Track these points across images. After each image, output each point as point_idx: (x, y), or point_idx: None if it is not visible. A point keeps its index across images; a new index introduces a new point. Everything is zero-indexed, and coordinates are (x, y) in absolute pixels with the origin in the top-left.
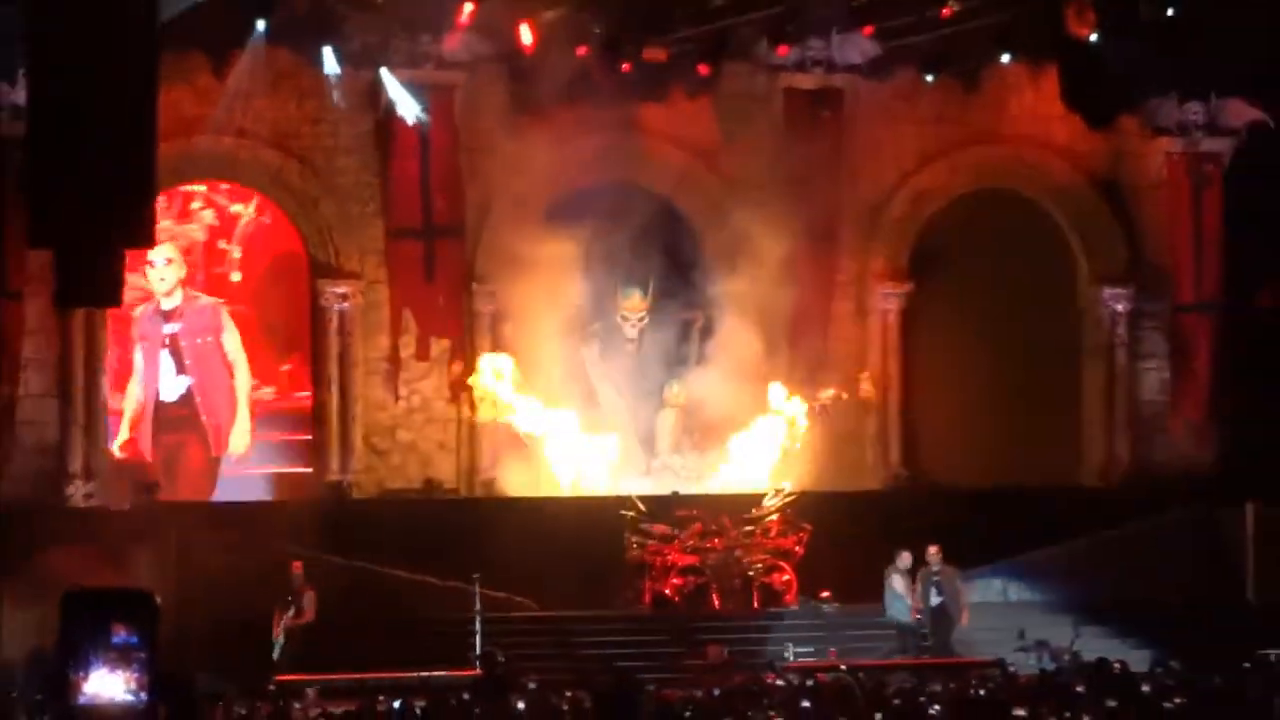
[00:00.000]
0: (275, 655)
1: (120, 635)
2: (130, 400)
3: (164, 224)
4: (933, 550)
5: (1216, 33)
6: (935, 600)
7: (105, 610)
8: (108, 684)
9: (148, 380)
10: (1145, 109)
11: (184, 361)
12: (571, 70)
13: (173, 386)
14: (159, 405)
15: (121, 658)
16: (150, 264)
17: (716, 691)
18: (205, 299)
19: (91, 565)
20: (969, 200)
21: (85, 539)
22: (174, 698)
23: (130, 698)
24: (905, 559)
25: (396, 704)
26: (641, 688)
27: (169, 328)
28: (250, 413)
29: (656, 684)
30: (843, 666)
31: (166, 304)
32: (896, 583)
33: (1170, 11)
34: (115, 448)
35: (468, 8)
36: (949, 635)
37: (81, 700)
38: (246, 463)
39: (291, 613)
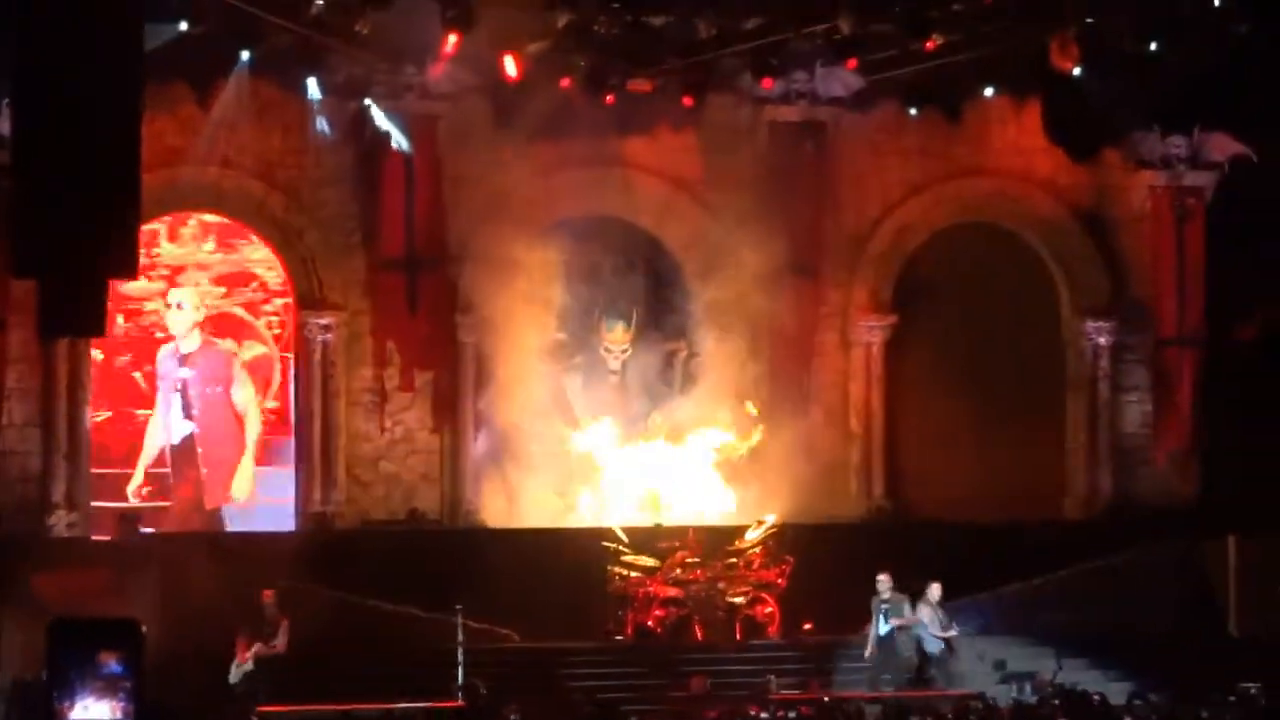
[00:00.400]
0: (233, 680)
1: (107, 664)
2: (150, 443)
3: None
4: (882, 578)
5: (1199, 66)
6: (884, 629)
7: (92, 639)
8: (94, 712)
9: (166, 423)
10: (1128, 142)
11: (191, 410)
12: (556, 102)
13: (177, 431)
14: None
15: (108, 686)
16: (167, 305)
17: None
18: (222, 346)
19: (74, 596)
20: (952, 233)
21: (68, 569)
22: None
23: None
24: (935, 590)
25: None
26: (624, 719)
27: (182, 372)
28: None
29: (639, 715)
30: (825, 698)
31: (184, 347)
32: (923, 613)
33: (1153, 45)
34: (130, 493)
35: (451, 39)
36: (896, 665)
37: None
38: (250, 508)
39: (268, 641)
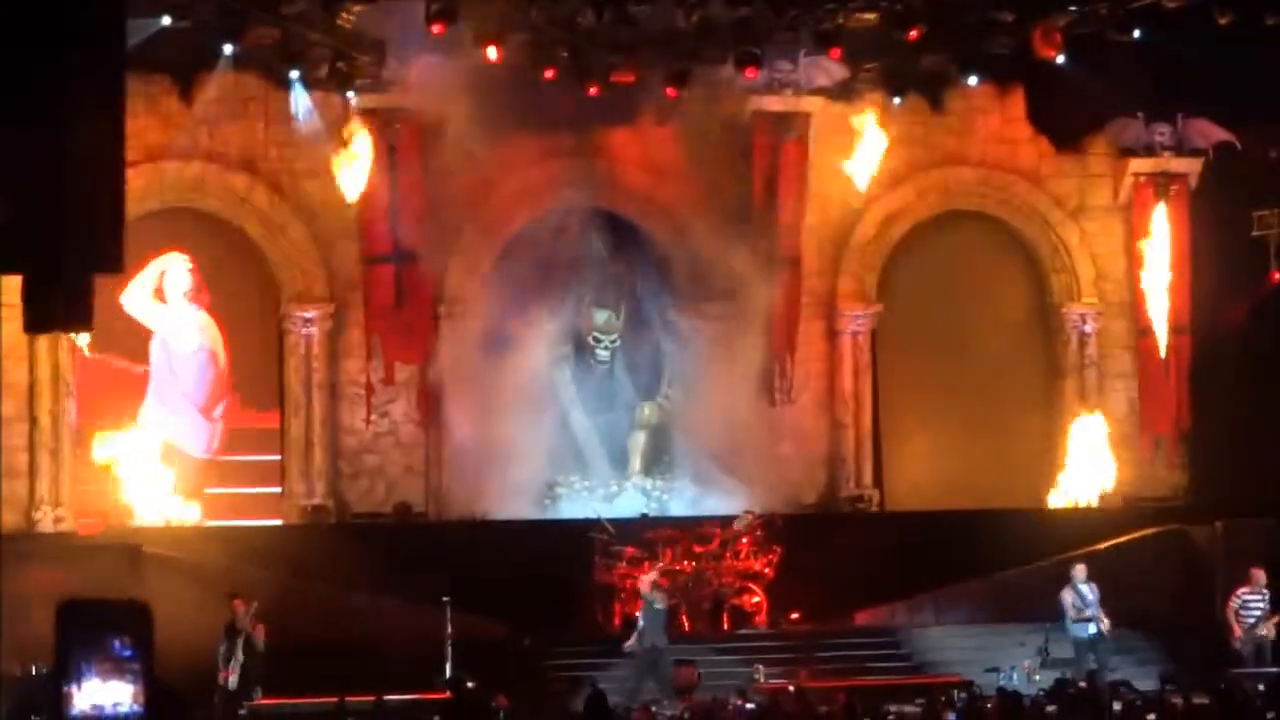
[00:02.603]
0: (233, 686)
1: (116, 647)
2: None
3: None
4: (650, 575)
5: (1183, 54)
6: (641, 623)
7: (100, 621)
8: (102, 696)
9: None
10: (1112, 130)
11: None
12: (539, 94)
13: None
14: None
15: (116, 669)
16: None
17: (686, 713)
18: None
19: (64, 591)
20: (937, 222)
21: (55, 564)
22: (169, 711)
23: (125, 710)
24: (1079, 572)
25: None
26: (609, 709)
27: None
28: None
29: (624, 706)
30: (790, 686)
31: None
32: (1065, 598)
33: (1136, 33)
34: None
35: (434, 31)
36: (649, 655)
37: (74, 713)
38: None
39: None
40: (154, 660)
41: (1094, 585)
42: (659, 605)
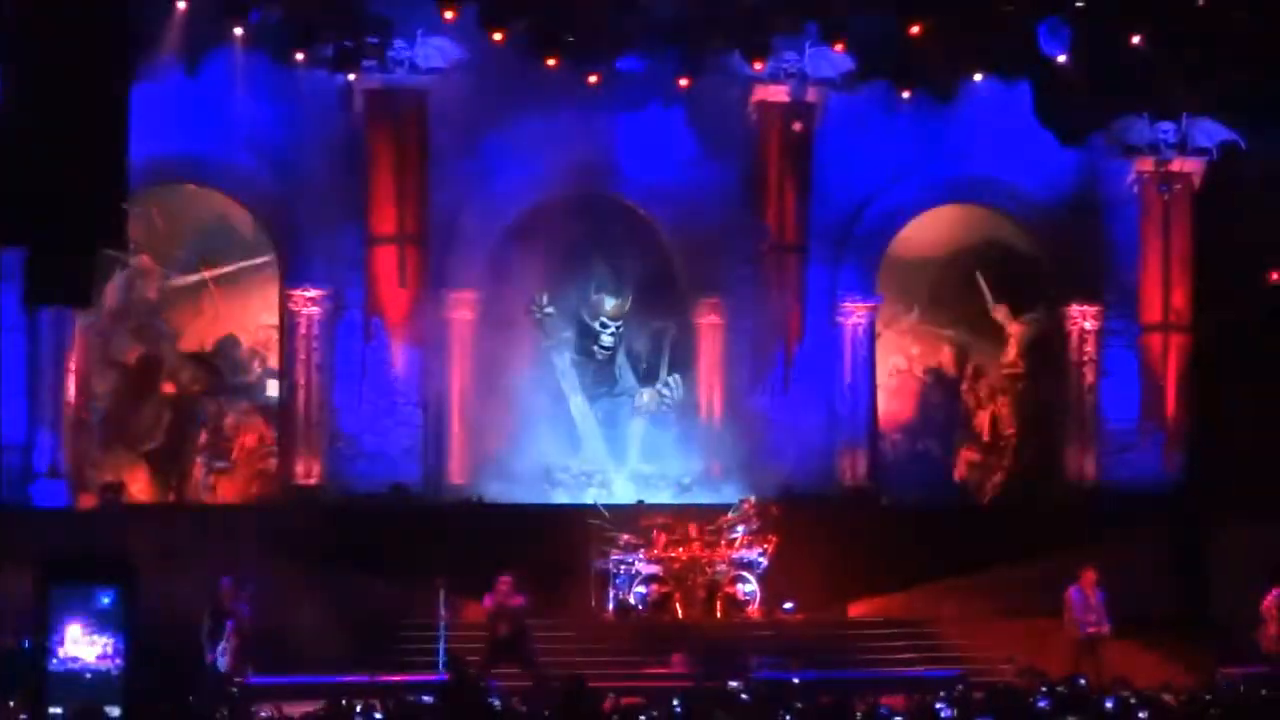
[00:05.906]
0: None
1: (98, 601)
2: None
3: None
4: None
5: (1189, 53)
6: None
7: (83, 575)
8: (83, 649)
9: None
10: (1117, 127)
11: None
12: (544, 79)
13: None
14: None
15: (99, 623)
16: None
17: (675, 701)
18: None
19: None
20: (940, 215)
21: (52, 539)
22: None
23: (106, 663)
24: (1089, 575)
25: (359, 707)
26: (602, 695)
27: None
28: None
29: (618, 692)
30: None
31: None
32: (1071, 596)
33: (1142, 32)
34: None
35: (447, 17)
36: None
37: (55, 665)
38: None
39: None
40: (138, 616)
41: (1101, 590)
42: None
